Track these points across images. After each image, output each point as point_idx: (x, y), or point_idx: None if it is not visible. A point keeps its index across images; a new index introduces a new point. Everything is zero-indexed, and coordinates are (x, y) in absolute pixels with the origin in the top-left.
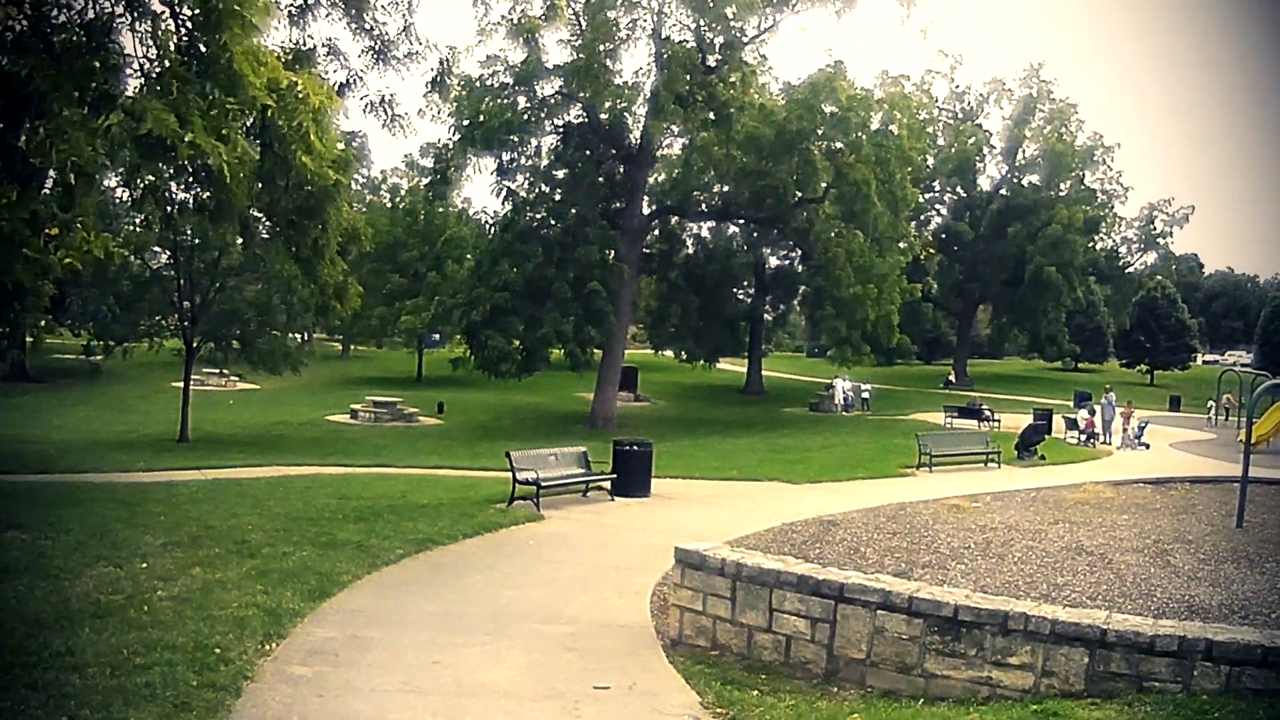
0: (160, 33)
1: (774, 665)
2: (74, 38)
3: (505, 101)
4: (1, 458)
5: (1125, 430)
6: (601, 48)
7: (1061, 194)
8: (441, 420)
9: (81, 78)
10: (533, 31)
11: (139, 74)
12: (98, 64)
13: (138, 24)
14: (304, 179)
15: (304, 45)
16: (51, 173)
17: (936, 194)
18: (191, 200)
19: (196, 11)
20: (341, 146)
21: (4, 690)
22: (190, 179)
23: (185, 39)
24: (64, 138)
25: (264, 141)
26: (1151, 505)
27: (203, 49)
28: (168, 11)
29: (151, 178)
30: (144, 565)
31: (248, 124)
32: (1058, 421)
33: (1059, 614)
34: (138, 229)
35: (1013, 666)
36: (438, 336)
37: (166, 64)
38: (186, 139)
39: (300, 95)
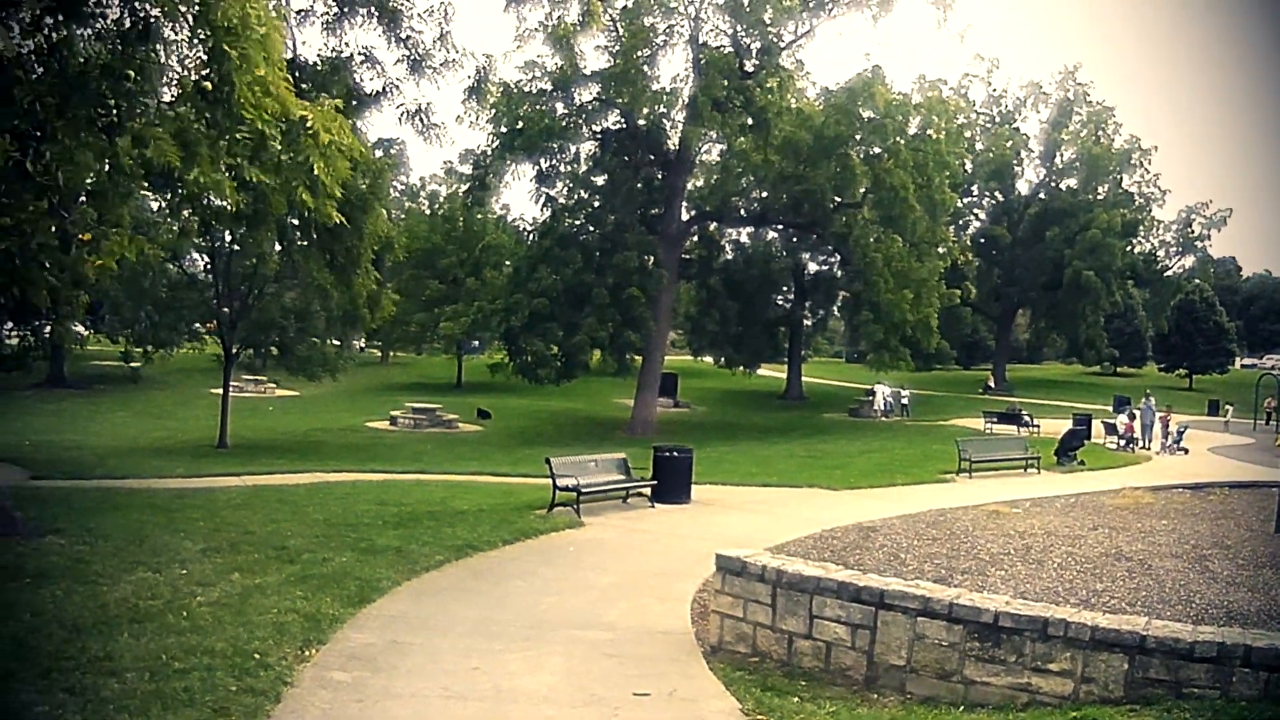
0: (174, 61)
1: (814, 672)
2: (89, 63)
3: (543, 108)
4: (39, 463)
5: (1166, 435)
6: (639, 54)
7: (1099, 197)
8: (481, 427)
9: (93, 103)
10: (570, 38)
11: (153, 101)
12: (109, 91)
13: (153, 51)
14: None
15: (340, 54)
16: (88, 180)
17: (975, 198)
18: (230, 207)
19: (205, 40)
20: (357, 173)
21: (42, 694)
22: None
23: (200, 68)
24: (70, 161)
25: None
26: (1190, 510)
27: (211, 79)
28: (184, 39)
29: (200, 174)
30: (183, 571)
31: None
32: (1097, 426)
33: (1098, 620)
34: (174, 234)
35: (1052, 673)
36: (477, 343)
37: (178, 93)
38: (191, 175)
39: (310, 131)
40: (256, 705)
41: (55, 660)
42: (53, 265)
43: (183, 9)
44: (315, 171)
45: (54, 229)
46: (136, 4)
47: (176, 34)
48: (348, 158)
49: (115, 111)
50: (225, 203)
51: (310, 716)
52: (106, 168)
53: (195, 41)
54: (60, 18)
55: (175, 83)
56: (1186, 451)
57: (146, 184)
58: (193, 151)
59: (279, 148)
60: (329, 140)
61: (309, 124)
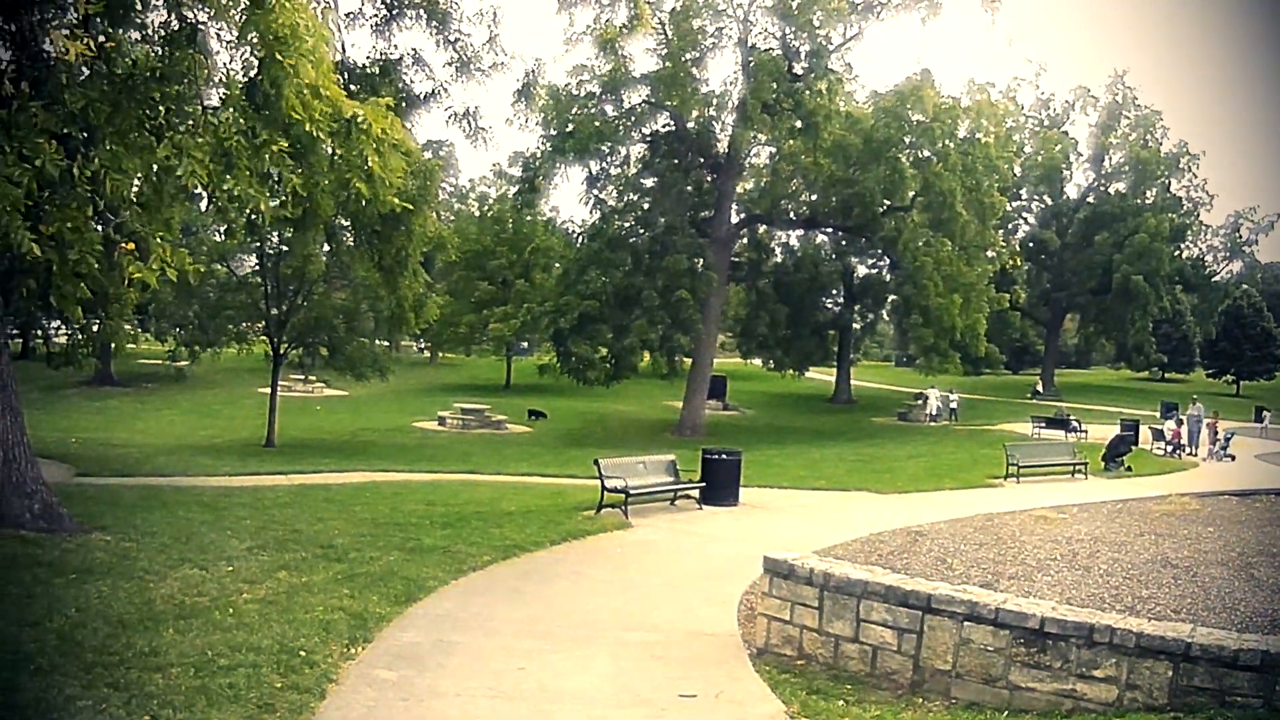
0: (220, 66)
1: (860, 675)
2: (137, 66)
3: (593, 111)
4: (86, 460)
5: (1215, 441)
6: (688, 56)
7: (1147, 202)
8: (530, 428)
9: (143, 105)
10: (618, 41)
11: (197, 107)
12: (158, 94)
13: (199, 55)
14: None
15: (389, 56)
16: (135, 183)
17: (1024, 202)
18: (278, 208)
19: (254, 48)
20: (408, 171)
21: (86, 689)
22: (275, 188)
23: (244, 77)
24: (119, 169)
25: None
26: (1237, 517)
27: (256, 86)
28: (231, 43)
29: (235, 187)
30: (229, 568)
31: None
32: (1144, 432)
33: (1144, 627)
34: (221, 238)
35: (1097, 679)
36: (526, 344)
37: (224, 96)
38: (225, 187)
39: (362, 126)
40: (302, 702)
41: (100, 655)
42: (91, 278)
43: (231, 11)
44: (370, 165)
45: (98, 242)
46: (183, 8)
47: (221, 40)
48: (402, 151)
49: (164, 114)
50: (262, 210)
51: (355, 714)
52: (154, 169)
53: (241, 45)
54: (108, 20)
55: (221, 85)
56: (1233, 458)
57: (197, 188)
58: (231, 163)
59: (328, 151)
60: (382, 134)
61: (361, 119)
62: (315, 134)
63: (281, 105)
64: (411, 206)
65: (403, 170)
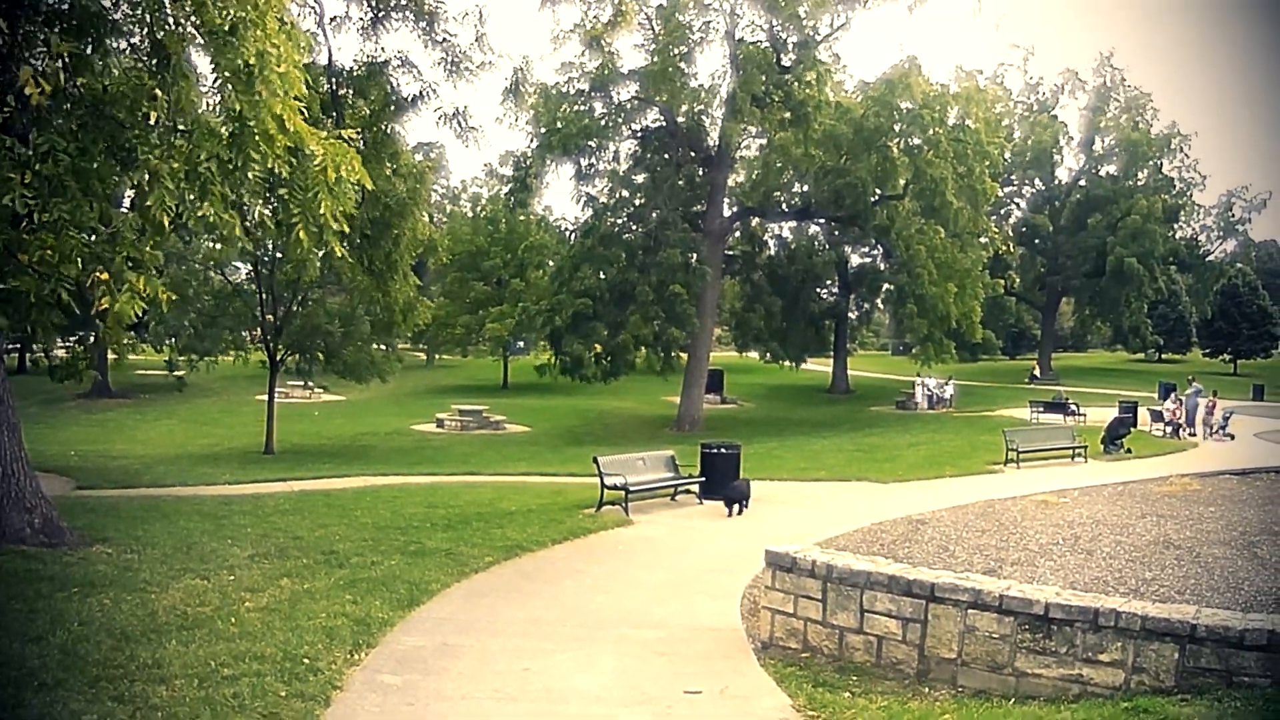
0: (189, 95)
1: (865, 666)
2: (106, 93)
3: (582, 108)
4: (86, 473)
5: (1210, 421)
6: (676, 51)
7: (1140, 183)
8: (529, 427)
9: (112, 133)
10: (605, 37)
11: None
12: (128, 123)
13: (168, 88)
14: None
15: (377, 58)
16: (128, 195)
17: (1015, 187)
18: (270, 214)
19: (224, 76)
20: (395, 181)
21: (91, 703)
22: (267, 194)
23: (217, 101)
24: (76, 222)
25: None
26: (1238, 497)
27: (231, 111)
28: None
29: (210, 213)
30: (231, 577)
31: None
32: (1143, 414)
33: (1149, 609)
34: (215, 245)
35: (1103, 663)
36: (522, 344)
37: (192, 128)
38: (199, 213)
39: (318, 167)
40: (306, 710)
41: (104, 669)
42: (68, 305)
43: (200, 39)
44: (322, 210)
45: (76, 273)
46: (156, 33)
47: (189, 69)
48: (355, 192)
49: (133, 138)
50: (236, 235)
51: None
52: (127, 202)
53: (213, 73)
54: (79, 52)
55: (191, 118)
56: (1232, 437)
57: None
58: (205, 189)
59: (289, 188)
60: (336, 177)
61: (318, 160)
62: (275, 169)
63: (250, 137)
64: (386, 230)
65: (353, 211)
